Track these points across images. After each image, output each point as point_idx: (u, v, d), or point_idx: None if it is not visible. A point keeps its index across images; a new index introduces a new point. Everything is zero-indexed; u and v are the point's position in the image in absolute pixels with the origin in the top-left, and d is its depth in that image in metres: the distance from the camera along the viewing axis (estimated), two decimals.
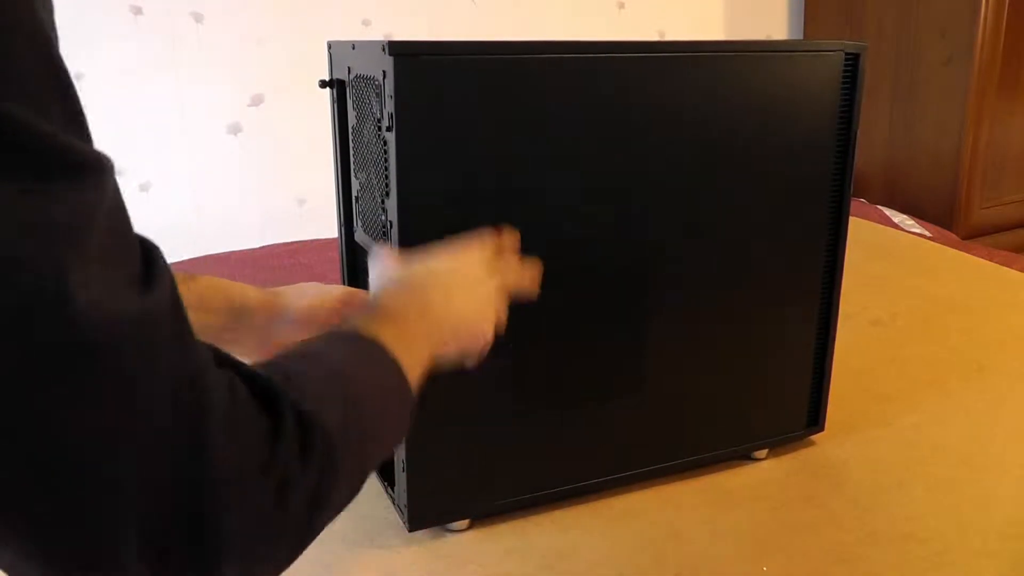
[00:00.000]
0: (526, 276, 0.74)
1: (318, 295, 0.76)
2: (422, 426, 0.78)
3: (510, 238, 0.74)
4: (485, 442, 0.82)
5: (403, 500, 0.82)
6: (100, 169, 0.38)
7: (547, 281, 0.79)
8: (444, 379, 0.77)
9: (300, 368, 0.50)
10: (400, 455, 0.80)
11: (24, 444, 0.35)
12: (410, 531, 0.82)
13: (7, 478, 0.35)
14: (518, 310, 0.78)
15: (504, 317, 0.71)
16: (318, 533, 0.48)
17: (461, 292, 0.67)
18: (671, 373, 0.88)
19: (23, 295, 0.33)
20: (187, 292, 0.60)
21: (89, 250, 0.35)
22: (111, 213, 0.38)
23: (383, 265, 0.71)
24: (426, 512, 0.82)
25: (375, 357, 0.57)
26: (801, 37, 2.62)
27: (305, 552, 0.85)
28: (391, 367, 0.57)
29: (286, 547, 0.45)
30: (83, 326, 0.35)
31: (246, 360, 0.46)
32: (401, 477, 0.81)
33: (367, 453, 0.53)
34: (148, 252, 0.40)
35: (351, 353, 0.57)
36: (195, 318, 0.53)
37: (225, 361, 0.44)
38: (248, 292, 0.74)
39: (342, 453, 0.49)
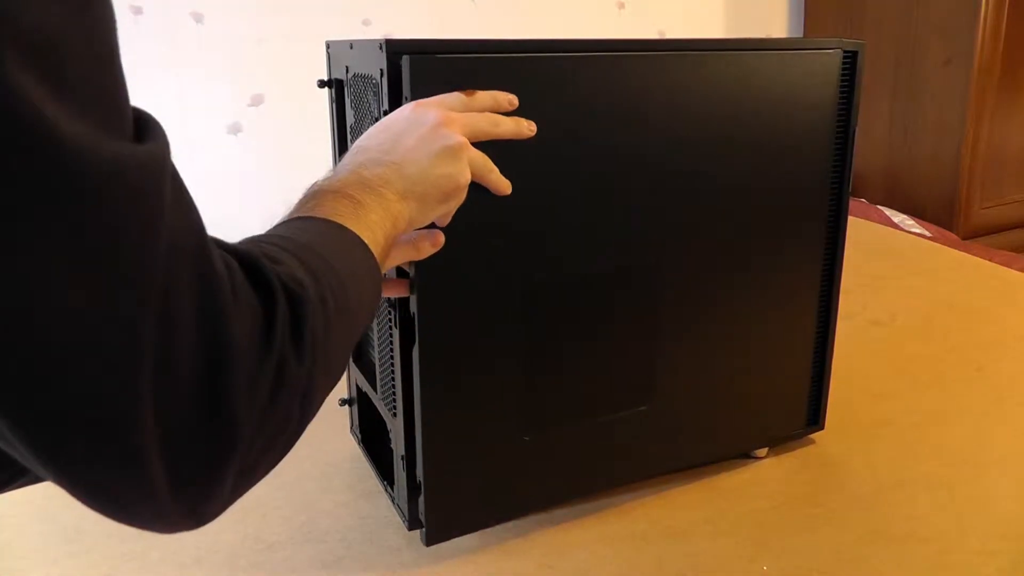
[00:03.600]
0: (510, 123, 0.67)
1: None
2: (439, 442, 0.77)
3: (483, 97, 0.67)
4: (496, 456, 0.81)
5: (403, 500, 0.81)
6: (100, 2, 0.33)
7: (549, 286, 0.79)
8: (455, 397, 0.77)
9: (278, 248, 0.47)
10: (418, 471, 0.79)
11: (10, 303, 0.30)
12: (427, 545, 0.80)
13: None
14: (522, 315, 0.78)
15: (479, 162, 0.64)
16: (310, 419, 0.45)
17: (402, 141, 0.61)
18: (673, 375, 0.88)
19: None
20: None
21: (73, 85, 0.31)
22: (101, 51, 0.33)
23: None
24: (442, 527, 0.80)
25: (337, 234, 0.53)
26: (801, 37, 2.62)
27: (305, 551, 0.85)
28: (355, 241, 0.54)
29: (286, 433, 0.43)
30: (69, 162, 0.30)
31: None
32: (401, 476, 0.81)
33: (350, 329, 0.50)
34: (142, 115, 0.36)
35: (316, 233, 0.53)
36: None
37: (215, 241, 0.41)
38: None
39: (329, 331, 0.46)
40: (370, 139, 0.63)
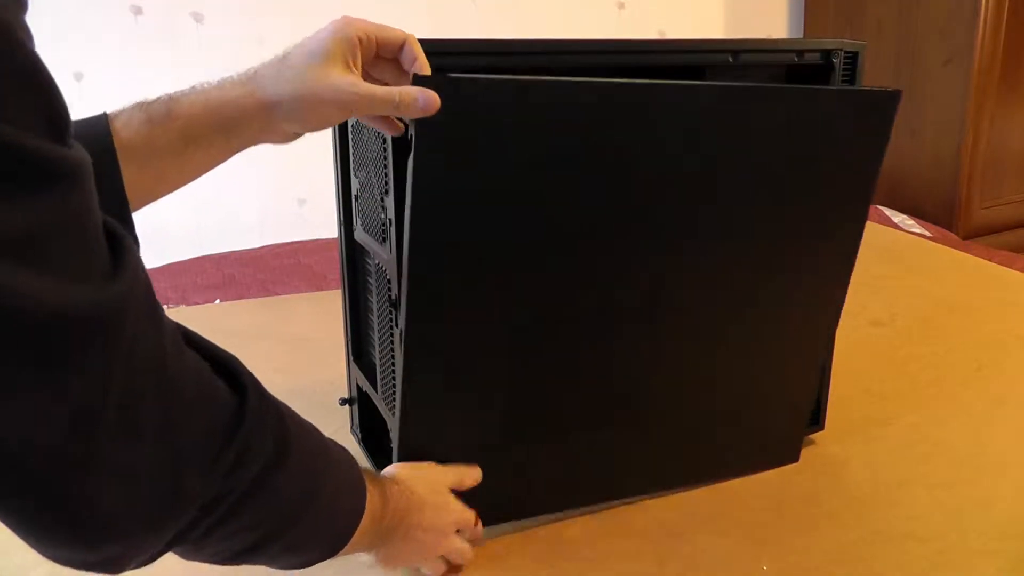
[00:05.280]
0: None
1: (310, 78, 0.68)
2: (428, 448, 0.77)
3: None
4: (488, 460, 0.80)
5: None
6: (66, 174, 0.39)
7: (552, 295, 0.77)
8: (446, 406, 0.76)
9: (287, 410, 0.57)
10: None
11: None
12: None
13: None
14: (522, 325, 0.78)
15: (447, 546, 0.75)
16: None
17: (416, 534, 0.72)
18: (672, 386, 0.86)
19: None
20: (166, 132, 0.65)
21: (47, 255, 0.38)
22: (76, 215, 0.39)
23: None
24: None
25: (355, 474, 0.65)
26: (801, 37, 2.62)
27: None
28: (360, 482, 0.65)
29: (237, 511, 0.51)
30: (40, 321, 0.37)
31: None
32: None
33: (312, 483, 0.59)
34: (115, 244, 0.42)
35: (342, 451, 0.65)
36: (189, 155, 0.65)
37: (191, 341, 0.49)
38: (236, 101, 0.70)
39: (295, 454, 0.55)
40: (411, 509, 0.71)
